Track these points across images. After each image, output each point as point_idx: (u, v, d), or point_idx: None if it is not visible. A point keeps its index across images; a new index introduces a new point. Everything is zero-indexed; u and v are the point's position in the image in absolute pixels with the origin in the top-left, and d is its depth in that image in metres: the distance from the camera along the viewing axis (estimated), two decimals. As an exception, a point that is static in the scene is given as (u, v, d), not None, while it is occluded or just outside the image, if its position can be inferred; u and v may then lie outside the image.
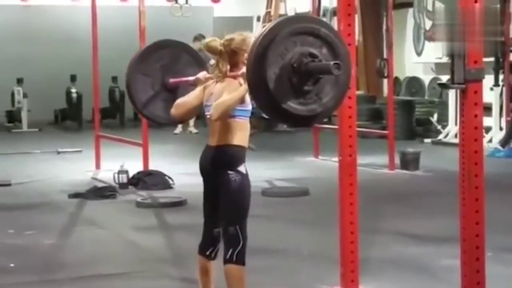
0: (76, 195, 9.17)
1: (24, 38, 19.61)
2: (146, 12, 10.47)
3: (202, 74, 4.73)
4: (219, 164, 4.46)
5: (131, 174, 9.83)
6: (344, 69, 3.90)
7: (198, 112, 4.70)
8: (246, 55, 4.31)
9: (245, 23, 21.29)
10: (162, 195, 9.16)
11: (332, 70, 3.78)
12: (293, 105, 3.87)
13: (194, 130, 16.26)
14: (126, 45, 17.20)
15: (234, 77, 4.43)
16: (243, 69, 4.24)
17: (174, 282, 5.84)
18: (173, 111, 4.65)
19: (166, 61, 5.19)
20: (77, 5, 19.19)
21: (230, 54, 4.47)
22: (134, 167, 10.03)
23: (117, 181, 9.68)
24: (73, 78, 18.16)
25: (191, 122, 16.56)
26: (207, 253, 4.68)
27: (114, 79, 18.28)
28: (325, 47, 3.91)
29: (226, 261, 4.46)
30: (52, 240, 7.15)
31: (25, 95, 17.59)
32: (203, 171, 4.59)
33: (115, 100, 18.45)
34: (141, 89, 5.17)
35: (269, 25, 3.93)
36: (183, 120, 4.65)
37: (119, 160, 10.06)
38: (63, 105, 18.46)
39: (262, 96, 3.88)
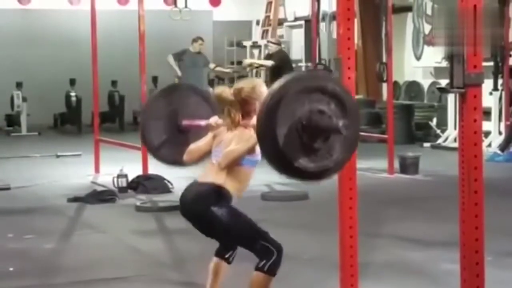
0: (75, 199, 9.17)
1: (23, 42, 19.61)
2: (145, 16, 10.47)
3: (213, 120, 4.71)
4: (202, 198, 4.40)
5: (130, 178, 9.83)
6: (352, 124, 3.91)
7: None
8: (257, 103, 4.33)
9: (244, 27, 21.35)
10: (162, 199, 9.15)
11: (341, 131, 3.80)
12: (304, 163, 3.87)
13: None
14: (126, 49, 17.29)
15: (246, 127, 4.43)
16: (254, 120, 4.18)
17: (173, 286, 5.84)
18: (185, 157, 4.69)
19: (177, 105, 5.21)
20: (77, 9, 19.19)
21: (242, 103, 4.46)
22: (134, 171, 10.03)
23: (116, 185, 9.68)
24: (72, 82, 18.16)
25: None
26: (226, 256, 4.68)
27: (114, 83, 18.30)
28: (333, 102, 3.91)
29: (258, 269, 4.42)
30: (52, 244, 7.14)
31: (24, 99, 17.58)
32: (187, 208, 4.51)
33: (114, 104, 18.46)
34: (155, 134, 5.19)
35: (276, 85, 3.90)
36: (194, 165, 4.68)
37: (118, 164, 10.06)
38: (63, 109, 18.46)
39: (272, 155, 3.88)
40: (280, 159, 3.88)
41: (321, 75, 4.15)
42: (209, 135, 4.65)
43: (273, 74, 17.04)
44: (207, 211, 4.37)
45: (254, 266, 4.45)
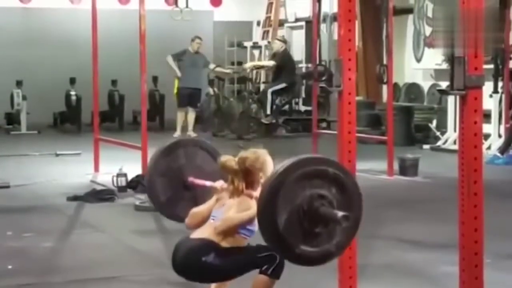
0: (74, 198, 9.17)
1: (24, 40, 19.61)
2: (146, 16, 10.46)
3: (219, 184, 4.74)
4: (196, 252, 4.40)
5: (130, 177, 9.82)
6: (353, 209, 3.90)
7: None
8: (261, 174, 4.38)
9: (245, 27, 21.35)
10: (161, 199, 9.14)
11: (341, 222, 3.77)
12: (305, 248, 3.86)
13: (193, 135, 16.25)
14: (126, 49, 17.27)
15: (250, 197, 4.43)
16: (257, 192, 4.19)
17: (172, 286, 5.83)
18: (188, 220, 4.69)
19: (183, 161, 5.23)
20: (77, 8, 19.17)
21: (245, 173, 4.48)
22: (133, 170, 10.02)
23: (116, 184, 9.68)
24: (72, 81, 18.15)
25: (190, 126, 16.58)
26: None
27: (114, 82, 18.30)
28: (334, 187, 3.89)
29: (261, 272, 4.45)
30: (50, 243, 7.14)
31: (24, 98, 17.58)
32: (178, 263, 4.51)
33: (114, 104, 18.46)
34: (161, 190, 5.22)
35: (276, 171, 3.88)
36: (196, 228, 4.68)
37: (118, 163, 10.06)
38: (63, 108, 18.46)
39: (273, 240, 3.87)
40: (280, 245, 3.87)
41: (322, 160, 4.07)
42: (213, 199, 4.67)
43: (275, 74, 17.07)
44: (198, 262, 4.38)
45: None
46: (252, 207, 4.32)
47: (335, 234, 3.92)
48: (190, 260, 4.43)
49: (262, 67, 17.92)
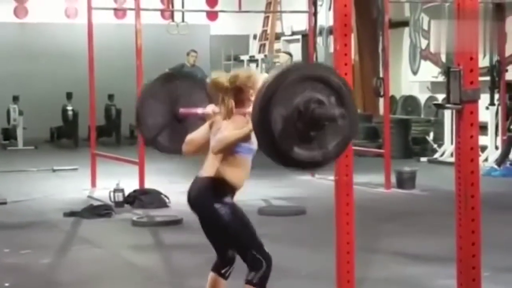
0: (71, 214, 9.15)
1: (20, 55, 19.61)
2: (142, 30, 10.49)
3: (210, 108, 4.73)
4: (205, 195, 4.44)
5: (127, 193, 9.81)
6: (349, 118, 3.90)
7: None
8: (251, 91, 4.36)
9: (241, 41, 21.37)
10: (158, 214, 9.14)
11: (337, 119, 3.78)
12: (296, 151, 3.86)
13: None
14: (123, 63, 17.28)
15: (243, 115, 4.43)
16: (250, 108, 4.20)
17: (169, 302, 5.83)
18: (185, 147, 4.68)
19: (175, 93, 5.21)
20: (74, 23, 19.23)
21: (236, 91, 4.47)
22: (130, 185, 10.01)
23: (113, 199, 9.66)
24: (69, 96, 18.15)
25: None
26: (222, 271, 4.66)
27: (111, 97, 18.30)
28: (333, 96, 3.91)
29: (247, 281, 4.43)
30: (48, 259, 7.12)
31: (21, 113, 17.58)
32: (192, 204, 4.55)
33: (111, 118, 18.45)
34: (151, 116, 5.20)
35: (282, 68, 3.91)
36: (194, 155, 4.66)
37: (115, 179, 10.04)
38: (59, 123, 18.44)
39: (265, 139, 3.87)
40: (272, 144, 3.86)
41: (328, 67, 4.11)
42: (206, 124, 4.65)
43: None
44: (210, 208, 4.41)
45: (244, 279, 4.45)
46: (246, 123, 4.30)
47: (327, 141, 3.93)
48: (201, 204, 4.46)
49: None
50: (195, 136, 4.65)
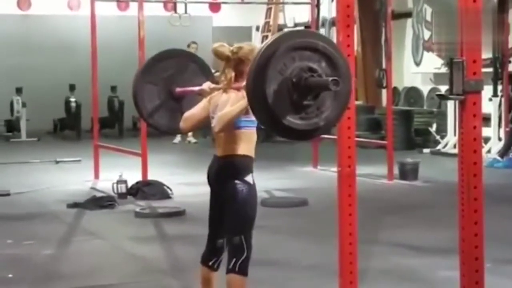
0: (74, 205, 9.16)
1: (23, 47, 19.61)
2: (145, 22, 10.48)
3: (207, 85, 4.77)
4: (225, 174, 4.48)
5: (129, 184, 9.82)
6: (343, 82, 3.88)
7: (207, 123, 4.70)
8: None
9: (244, 33, 21.34)
10: (161, 205, 9.15)
11: (330, 87, 3.77)
12: (293, 120, 3.85)
13: (193, 140, 16.25)
14: (125, 55, 17.28)
15: (238, 89, 4.44)
16: (244, 82, 4.23)
17: (172, 293, 5.84)
18: (182, 124, 4.70)
19: (173, 71, 5.22)
20: (76, 14, 19.22)
21: (237, 62, 4.52)
22: (133, 177, 10.02)
23: (115, 191, 9.68)
24: (72, 88, 18.17)
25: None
26: (210, 263, 4.68)
27: (113, 88, 18.29)
28: (323, 61, 3.89)
29: (229, 271, 4.46)
30: (51, 251, 7.13)
31: (24, 105, 17.60)
32: (210, 181, 4.61)
33: (114, 110, 18.46)
34: (148, 98, 5.21)
35: (266, 42, 3.91)
36: (192, 132, 4.68)
37: (118, 170, 10.06)
38: (62, 115, 18.47)
39: (262, 112, 3.87)
40: (269, 116, 3.86)
41: (313, 33, 4.10)
42: (204, 100, 4.67)
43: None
44: (230, 183, 4.44)
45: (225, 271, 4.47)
46: (243, 97, 4.29)
47: (324, 107, 3.92)
48: (223, 181, 4.48)
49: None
50: (192, 112, 4.67)
